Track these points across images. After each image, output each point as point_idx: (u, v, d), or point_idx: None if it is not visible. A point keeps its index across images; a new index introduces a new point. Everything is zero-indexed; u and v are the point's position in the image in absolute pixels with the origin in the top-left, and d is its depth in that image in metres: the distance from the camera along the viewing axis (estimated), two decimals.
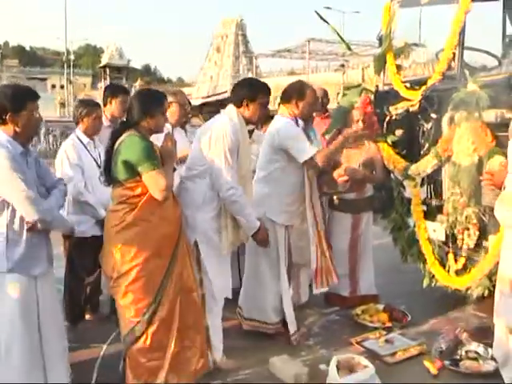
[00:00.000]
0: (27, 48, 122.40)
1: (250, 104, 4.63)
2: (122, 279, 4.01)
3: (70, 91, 58.89)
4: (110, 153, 4.09)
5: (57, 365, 3.96)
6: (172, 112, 5.60)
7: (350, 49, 8.02)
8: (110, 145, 4.12)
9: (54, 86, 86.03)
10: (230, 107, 4.71)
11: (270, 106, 5.19)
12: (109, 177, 4.14)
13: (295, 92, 5.38)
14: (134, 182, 3.98)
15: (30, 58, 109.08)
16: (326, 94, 7.30)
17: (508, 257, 3.64)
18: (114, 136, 4.11)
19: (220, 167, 4.44)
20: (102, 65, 64.44)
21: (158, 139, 4.31)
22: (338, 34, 6.68)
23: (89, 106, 5.62)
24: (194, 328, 4.29)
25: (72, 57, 63.35)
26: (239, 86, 4.84)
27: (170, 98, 5.33)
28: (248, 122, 4.74)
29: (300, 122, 5.43)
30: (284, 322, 5.38)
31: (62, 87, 72.02)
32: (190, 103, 6.44)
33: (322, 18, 6.50)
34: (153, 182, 3.93)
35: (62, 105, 60.64)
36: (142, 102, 4.15)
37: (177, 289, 4.16)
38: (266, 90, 4.77)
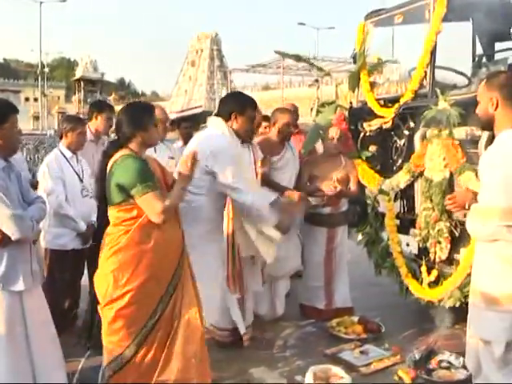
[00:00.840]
0: (1, 60, 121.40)
1: (239, 117, 4.73)
2: (114, 303, 3.81)
3: (43, 104, 58.53)
4: (104, 173, 3.92)
5: (51, 376, 3.93)
6: None
7: (321, 70, 8.20)
8: (102, 165, 3.97)
9: (27, 99, 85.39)
10: (218, 121, 4.76)
11: None
12: (103, 198, 3.96)
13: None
14: (128, 205, 3.81)
15: (3, 70, 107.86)
16: (296, 109, 7.45)
17: (479, 269, 3.74)
18: (106, 156, 3.95)
19: (226, 182, 4.51)
20: (76, 78, 64.15)
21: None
22: (309, 61, 6.86)
23: (73, 121, 5.72)
24: (195, 357, 4.00)
25: (46, 69, 62.97)
26: (228, 100, 4.96)
27: None
28: (237, 134, 4.80)
29: None
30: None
31: (35, 100, 71.60)
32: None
33: (284, 54, 6.74)
34: (148, 205, 3.74)
35: (36, 118, 60.31)
36: (132, 116, 3.97)
37: (175, 313, 3.95)
38: (254, 104, 4.91)
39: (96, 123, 5.99)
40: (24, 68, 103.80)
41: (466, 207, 3.76)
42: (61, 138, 5.68)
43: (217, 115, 4.86)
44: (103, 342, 3.94)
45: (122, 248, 3.81)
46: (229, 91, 52.42)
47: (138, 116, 3.97)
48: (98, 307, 3.96)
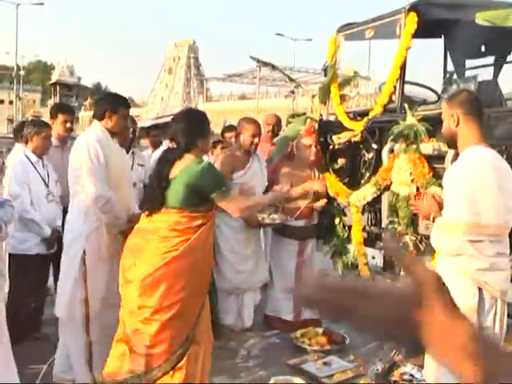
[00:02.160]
0: None
1: (113, 116, 4.65)
2: (161, 311, 3.76)
3: (18, 107, 58.18)
4: (165, 180, 3.90)
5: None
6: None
7: (293, 81, 8.27)
8: (163, 171, 3.96)
9: (2, 102, 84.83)
10: (94, 122, 4.76)
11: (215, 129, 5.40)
12: (161, 201, 3.91)
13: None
14: (197, 212, 3.86)
15: None
16: (278, 121, 7.51)
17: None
18: (168, 162, 3.97)
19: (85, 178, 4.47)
20: (52, 82, 63.85)
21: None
22: (282, 71, 6.90)
23: (38, 125, 5.70)
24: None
25: (22, 72, 62.62)
26: (101, 100, 4.96)
27: None
28: (112, 133, 4.69)
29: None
30: None
31: (10, 103, 71.04)
32: (133, 126, 6.48)
33: (259, 60, 6.80)
34: (233, 203, 4.00)
35: (10, 121, 59.82)
36: (196, 123, 4.11)
37: (206, 326, 4.05)
38: (127, 103, 4.91)
39: (56, 127, 5.95)
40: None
41: (431, 219, 3.81)
42: (26, 142, 5.66)
43: (93, 116, 4.86)
44: (143, 351, 3.83)
45: (182, 255, 3.80)
46: (205, 99, 52.76)
47: (201, 125, 4.11)
48: (143, 317, 3.84)
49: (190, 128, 4.02)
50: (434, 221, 3.77)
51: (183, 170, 3.86)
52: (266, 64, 6.95)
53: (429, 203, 3.93)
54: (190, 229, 3.84)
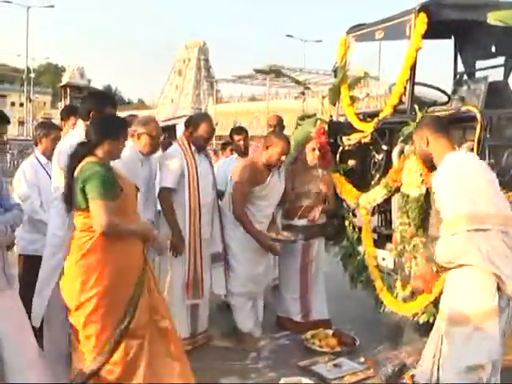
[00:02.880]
0: None
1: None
2: (82, 308, 3.84)
3: (29, 109, 58.35)
4: (70, 179, 3.97)
5: (24, 376, 3.86)
6: (141, 142, 5.38)
7: (300, 83, 8.29)
8: (69, 170, 4.00)
9: (13, 104, 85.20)
10: (79, 121, 4.67)
11: (221, 132, 5.40)
12: (69, 203, 4.01)
13: (190, 124, 5.74)
14: None
15: None
16: (280, 121, 7.48)
17: (448, 292, 3.81)
18: (73, 161, 3.98)
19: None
20: (62, 84, 64.01)
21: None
22: (287, 75, 6.89)
23: (47, 127, 5.72)
24: (169, 356, 4.10)
25: (32, 75, 62.81)
26: (87, 99, 4.84)
27: (140, 129, 5.37)
28: None
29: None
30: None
31: (21, 105, 71.23)
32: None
33: (263, 71, 6.80)
34: (94, 212, 3.81)
35: (21, 123, 60.06)
36: (109, 123, 4.13)
37: (144, 320, 3.99)
38: (113, 102, 4.73)
39: (65, 130, 5.85)
40: (10, 72, 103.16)
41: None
42: (36, 144, 5.68)
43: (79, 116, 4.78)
44: (73, 348, 3.95)
45: (88, 252, 3.84)
46: (215, 101, 52.82)
47: (109, 127, 4.07)
48: (69, 315, 3.96)
49: (100, 128, 4.03)
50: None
51: (80, 170, 3.91)
52: (270, 72, 6.95)
53: (425, 275, 4.02)
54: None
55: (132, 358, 3.91)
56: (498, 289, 3.59)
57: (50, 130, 5.62)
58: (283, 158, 5.84)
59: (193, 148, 5.65)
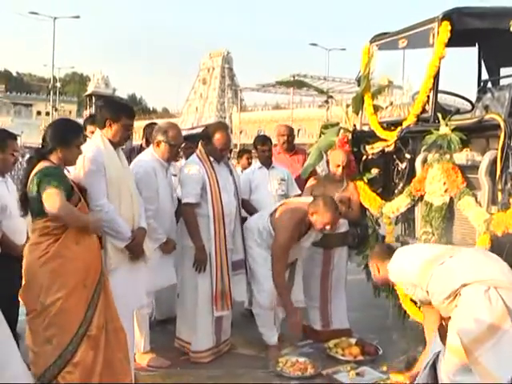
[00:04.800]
0: (14, 74, 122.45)
1: (113, 125, 4.55)
2: (46, 311, 3.91)
3: (55, 118, 58.85)
4: (25, 183, 4.04)
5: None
6: (160, 150, 5.47)
7: (323, 92, 8.30)
8: (25, 174, 4.07)
9: (39, 113, 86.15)
10: (96, 131, 4.68)
11: (245, 140, 5.40)
12: (25, 208, 4.08)
13: (205, 136, 5.69)
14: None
15: (16, 83, 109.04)
16: (291, 131, 7.47)
17: (454, 326, 3.95)
18: (30, 165, 4.07)
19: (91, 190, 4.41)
20: (87, 93, 64.59)
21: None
22: (310, 85, 6.89)
23: None
24: (124, 357, 4.29)
25: (58, 84, 63.41)
26: (103, 107, 4.81)
27: (159, 136, 5.43)
28: (111, 143, 4.59)
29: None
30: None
31: (47, 114, 71.86)
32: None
33: (284, 82, 6.80)
34: (49, 198, 3.84)
35: None
36: (59, 130, 4.14)
37: (102, 321, 4.10)
38: (130, 112, 4.74)
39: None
40: (37, 82, 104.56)
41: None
42: None
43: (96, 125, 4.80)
44: (35, 352, 3.97)
45: (52, 257, 3.93)
46: (239, 109, 52.97)
47: (63, 133, 4.13)
48: (27, 318, 4.02)
49: (53, 135, 4.09)
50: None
51: (35, 174, 3.97)
52: (292, 84, 6.97)
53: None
54: (57, 229, 3.96)
55: (91, 358, 4.01)
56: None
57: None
58: (327, 227, 5.58)
59: (211, 159, 5.64)
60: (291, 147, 7.37)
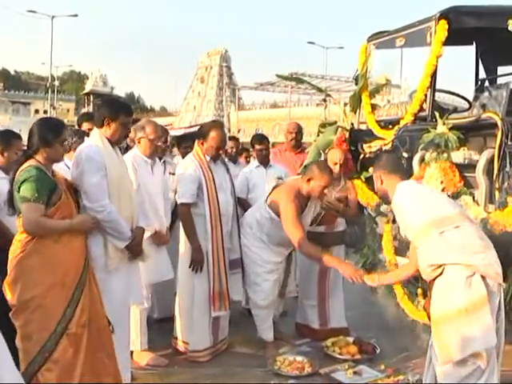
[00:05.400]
0: (12, 72, 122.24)
1: (112, 123, 4.51)
2: (24, 307, 3.96)
3: (52, 116, 58.70)
4: (11, 183, 4.11)
5: None
6: (142, 147, 5.57)
7: (321, 91, 8.31)
8: (13, 174, 4.14)
9: (37, 111, 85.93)
10: (94, 130, 4.65)
11: (243, 139, 5.40)
12: (12, 206, 4.12)
13: (200, 134, 5.71)
14: None
15: (14, 81, 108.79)
16: (300, 128, 7.52)
17: (435, 300, 3.98)
18: (18, 165, 4.15)
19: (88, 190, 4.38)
20: (85, 91, 64.56)
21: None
22: (309, 83, 6.89)
23: (80, 135, 5.75)
24: (106, 356, 4.27)
25: (56, 82, 63.36)
26: (101, 106, 4.79)
27: (138, 133, 5.47)
28: (110, 142, 4.55)
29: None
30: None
31: (45, 112, 71.78)
32: (165, 135, 6.49)
33: (285, 77, 6.79)
34: (23, 213, 3.96)
35: None
36: (40, 131, 4.16)
37: (84, 320, 4.10)
38: (128, 110, 4.71)
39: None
40: (34, 80, 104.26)
41: None
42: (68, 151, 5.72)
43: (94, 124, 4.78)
44: (19, 347, 3.99)
45: (29, 253, 3.98)
46: (237, 108, 52.99)
47: (45, 132, 4.16)
48: (10, 314, 4.04)
49: (37, 135, 4.14)
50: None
51: (19, 173, 4.04)
52: (291, 79, 6.99)
53: None
54: None
55: (71, 356, 4.01)
56: (483, 277, 3.79)
57: (83, 139, 5.66)
58: (325, 191, 5.63)
59: (208, 158, 5.64)
60: (298, 145, 7.48)
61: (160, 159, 6.26)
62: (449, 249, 3.84)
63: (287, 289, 6.06)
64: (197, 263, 5.48)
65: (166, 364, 5.51)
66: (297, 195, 5.59)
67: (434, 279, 3.95)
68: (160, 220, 5.61)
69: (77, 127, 6.37)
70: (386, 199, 4.52)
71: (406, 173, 5.81)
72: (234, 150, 7.99)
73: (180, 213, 5.63)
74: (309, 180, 5.53)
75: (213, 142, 5.61)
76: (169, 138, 6.88)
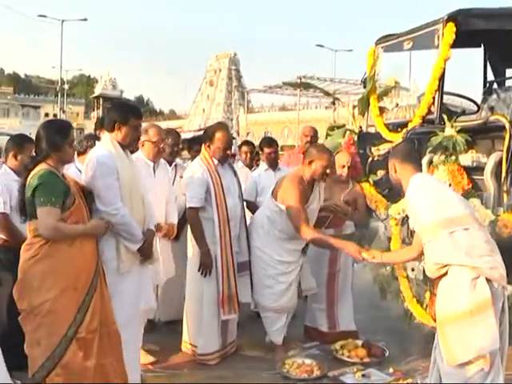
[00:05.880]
0: (22, 76, 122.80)
1: (122, 127, 4.52)
2: (34, 312, 3.93)
3: (57, 118, 58.93)
4: (22, 188, 4.10)
5: None
6: (145, 150, 5.61)
7: (329, 95, 8.32)
8: (23, 180, 4.12)
9: (47, 115, 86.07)
10: (104, 134, 4.67)
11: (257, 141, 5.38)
12: (24, 212, 4.12)
13: (206, 137, 5.71)
14: None
15: (24, 85, 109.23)
16: (315, 132, 7.54)
17: (440, 300, 3.95)
18: (27, 170, 4.13)
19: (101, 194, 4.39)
20: (95, 95, 64.77)
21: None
22: (316, 87, 6.88)
23: (93, 139, 5.75)
24: (116, 360, 4.25)
25: (66, 86, 63.60)
26: (111, 110, 4.80)
27: (142, 137, 5.45)
28: (121, 146, 4.56)
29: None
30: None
31: (55, 116, 72.08)
32: (177, 138, 6.52)
33: (291, 84, 6.80)
34: (41, 218, 3.95)
35: None
36: (47, 135, 4.13)
37: (95, 325, 4.08)
38: (138, 113, 4.72)
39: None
40: (44, 84, 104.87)
41: None
42: (78, 154, 5.72)
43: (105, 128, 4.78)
44: (27, 353, 3.99)
45: (42, 258, 3.96)
46: (246, 111, 53.01)
47: (53, 135, 4.14)
48: (19, 318, 4.03)
49: (45, 139, 4.11)
50: None
51: (31, 178, 4.02)
52: (298, 86, 7.01)
53: None
54: None
55: (81, 361, 3.98)
56: (488, 280, 3.77)
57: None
58: (328, 171, 5.65)
59: (215, 161, 5.66)
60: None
61: (171, 163, 6.31)
62: (455, 250, 3.82)
63: (304, 286, 6.03)
64: (206, 267, 5.50)
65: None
66: (300, 182, 5.63)
67: (440, 278, 3.95)
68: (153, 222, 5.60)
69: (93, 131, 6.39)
70: (399, 189, 4.45)
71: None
72: (249, 155, 7.70)
73: (188, 217, 5.64)
74: (310, 163, 5.61)
75: (219, 143, 5.62)
76: (180, 143, 6.91)
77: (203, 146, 5.76)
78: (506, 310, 3.92)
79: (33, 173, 4.03)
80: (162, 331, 6.19)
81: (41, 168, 4.04)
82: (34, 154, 4.28)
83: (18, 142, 5.36)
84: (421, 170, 4.32)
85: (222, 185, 5.57)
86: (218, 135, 5.63)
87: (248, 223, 6.04)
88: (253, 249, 5.86)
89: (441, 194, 4.11)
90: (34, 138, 4.42)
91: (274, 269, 5.76)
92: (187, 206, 5.62)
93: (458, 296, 3.80)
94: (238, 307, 5.65)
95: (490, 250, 3.85)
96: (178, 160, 6.77)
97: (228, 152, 5.82)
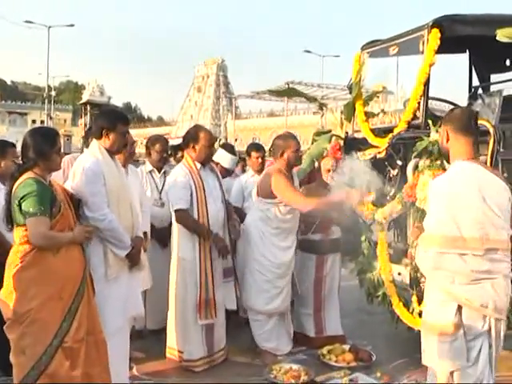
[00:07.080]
0: (8, 82, 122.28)
1: (110, 134, 4.56)
2: (20, 320, 3.90)
3: (43, 125, 58.80)
4: (8, 196, 4.08)
5: None
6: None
7: (315, 100, 8.35)
8: (9, 188, 4.11)
9: (34, 121, 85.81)
10: (92, 142, 4.68)
11: (240, 147, 5.41)
12: (10, 220, 4.09)
13: (190, 139, 5.75)
14: None
15: (11, 92, 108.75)
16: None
17: (427, 302, 3.90)
18: (13, 179, 4.10)
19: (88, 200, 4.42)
20: (82, 101, 64.36)
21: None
22: (302, 94, 6.92)
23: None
24: (103, 370, 4.24)
25: (53, 92, 63.37)
26: (98, 117, 4.83)
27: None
28: (109, 152, 4.61)
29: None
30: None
31: (42, 122, 71.81)
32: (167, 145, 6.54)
33: (275, 92, 6.82)
34: (30, 227, 3.92)
35: None
36: (34, 143, 4.11)
37: (81, 335, 4.06)
38: (125, 119, 4.76)
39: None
40: (31, 91, 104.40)
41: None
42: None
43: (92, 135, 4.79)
44: (12, 362, 3.96)
45: (28, 266, 3.94)
46: (234, 117, 53.03)
47: (40, 143, 4.12)
48: (4, 327, 4.01)
49: (32, 148, 4.09)
50: None
51: (17, 187, 4.01)
52: (283, 94, 7.04)
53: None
54: None
55: (67, 370, 3.96)
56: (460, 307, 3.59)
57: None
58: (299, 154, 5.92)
59: (198, 165, 5.69)
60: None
61: (160, 170, 6.36)
62: (441, 269, 3.64)
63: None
64: (222, 249, 5.60)
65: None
66: (280, 172, 5.77)
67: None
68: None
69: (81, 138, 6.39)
70: (445, 158, 4.10)
71: (400, 181, 5.86)
72: (261, 160, 7.20)
73: (179, 219, 5.63)
74: (281, 154, 5.82)
75: (204, 141, 5.70)
76: (168, 150, 6.94)
77: (186, 151, 5.80)
78: (493, 336, 3.64)
79: (19, 181, 4.02)
80: (148, 339, 6.17)
81: (28, 176, 4.03)
82: (21, 161, 4.24)
83: (0, 147, 5.36)
84: (476, 145, 3.83)
85: (204, 189, 5.59)
86: (202, 134, 5.73)
87: (241, 232, 6.05)
88: (249, 255, 5.89)
89: (462, 204, 3.57)
90: (17, 144, 4.40)
91: (271, 273, 5.82)
92: (174, 209, 5.62)
93: (429, 308, 3.81)
94: (215, 312, 5.61)
95: (477, 279, 3.58)
96: (166, 167, 6.75)
97: (212, 149, 5.92)
